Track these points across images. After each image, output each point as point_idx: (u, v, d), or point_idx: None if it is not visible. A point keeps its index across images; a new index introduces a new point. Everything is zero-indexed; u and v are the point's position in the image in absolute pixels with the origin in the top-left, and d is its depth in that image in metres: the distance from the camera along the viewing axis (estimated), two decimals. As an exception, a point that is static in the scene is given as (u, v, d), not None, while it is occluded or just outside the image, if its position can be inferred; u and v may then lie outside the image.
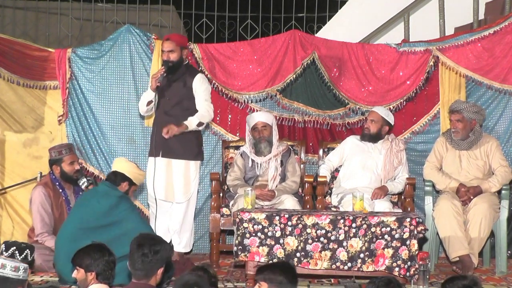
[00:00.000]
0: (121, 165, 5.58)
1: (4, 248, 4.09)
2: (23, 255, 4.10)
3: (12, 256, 4.04)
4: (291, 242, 5.28)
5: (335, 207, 6.05)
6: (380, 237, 5.22)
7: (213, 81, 6.55)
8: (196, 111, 6.08)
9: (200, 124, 5.94)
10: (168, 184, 5.98)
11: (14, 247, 4.08)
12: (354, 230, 5.25)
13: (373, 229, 5.24)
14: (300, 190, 6.23)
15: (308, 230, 5.28)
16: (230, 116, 6.65)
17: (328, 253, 5.25)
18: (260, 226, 5.31)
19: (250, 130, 6.23)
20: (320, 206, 6.00)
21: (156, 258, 3.86)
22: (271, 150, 6.17)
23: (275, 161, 6.17)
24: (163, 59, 6.03)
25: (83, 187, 5.85)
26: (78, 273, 4.05)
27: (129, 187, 5.52)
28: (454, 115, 6.09)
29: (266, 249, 5.28)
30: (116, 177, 5.50)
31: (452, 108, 6.13)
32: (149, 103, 5.99)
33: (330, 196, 6.24)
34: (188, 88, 5.98)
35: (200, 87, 6.00)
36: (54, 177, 5.94)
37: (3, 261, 3.76)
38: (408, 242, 5.20)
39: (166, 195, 5.97)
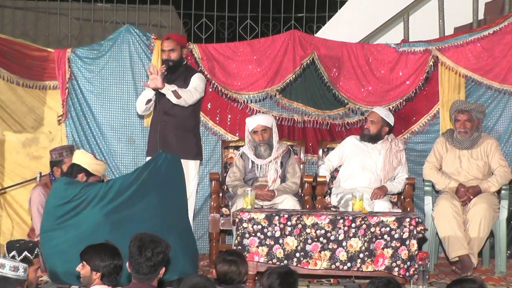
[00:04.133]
0: (77, 156, 5.57)
1: (16, 253, 4.15)
2: (34, 253, 4.19)
3: (25, 258, 4.12)
4: (291, 242, 5.28)
5: (334, 207, 6.05)
6: (379, 237, 5.23)
7: (213, 81, 6.55)
8: (196, 110, 6.09)
9: (176, 94, 5.79)
10: (168, 184, 5.98)
11: (26, 251, 4.16)
12: (353, 230, 5.26)
13: (372, 229, 5.24)
14: (299, 190, 6.23)
15: (308, 230, 5.28)
16: (229, 116, 6.65)
17: (328, 253, 5.25)
18: (259, 226, 5.31)
19: (250, 133, 6.23)
20: (319, 206, 6.00)
21: (158, 259, 3.86)
22: (271, 153, 6.16)
23: (275, 163, 6.16)
24: (164, 59, 6.03)
25: None
26: (83, 269, 4.04)
27: (87, 178, 5.50)
28: (463, 115, 6.08)
29: (265, 249, 5.28)
30: (73, 170, 5.50)
31: (461, 108, 6.11)
32: (148, 101, 5.99)
33: (330, 196, 6.24)
34: (187, 85, 5.98)
35: (196, 81, 6.00)
36: (54, 178, 5.93)
37: (2, 261, 3.78)
38: (407, 242, 5.20)
39: (166, 195, 5.98)
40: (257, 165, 6.17)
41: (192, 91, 5.91)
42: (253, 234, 5.30)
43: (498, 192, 6.03)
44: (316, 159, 6.58)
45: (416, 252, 5.19)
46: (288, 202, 5.91)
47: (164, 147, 5.93)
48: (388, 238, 5.22)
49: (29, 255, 4.17)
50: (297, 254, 5.26)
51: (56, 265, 5.19)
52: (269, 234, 5.30)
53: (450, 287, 3.76)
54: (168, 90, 5.79)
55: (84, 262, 4.04)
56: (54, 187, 5.45)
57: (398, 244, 5.20)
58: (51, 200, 5.37)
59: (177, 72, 6.02)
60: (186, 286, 3.72)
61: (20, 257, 4.13)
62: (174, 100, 5.82)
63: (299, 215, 5.32)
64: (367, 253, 5.22)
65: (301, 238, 5.27)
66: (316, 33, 8.76)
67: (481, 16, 7.69)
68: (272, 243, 5.29)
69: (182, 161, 5.99)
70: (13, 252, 4.16)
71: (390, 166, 6.17)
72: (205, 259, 6.25)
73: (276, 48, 6.61)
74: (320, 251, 5.25)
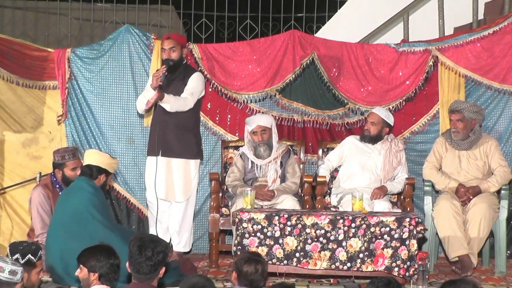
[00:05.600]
0: (94, 157, 5.52)
1: (20, 256, 4.15)
2: (38, 256, 4.23)
3: (28, 261, 4.14)
4: (291, 242, 5.28)
5: (334, 207, 6.04)
6: (379, 237, 5.23)
7: (212, 81, 6.55)
8: (196, 110, 6.09)
9: (171, 107, 5.85)
10: (168, 183, 5.98)
11: (29, 254, 4.19)
12: (353, 230, 5.26)
13: (372, 229, 5.24)
14: (299, 190, 6.23)
15: (308, 230, 5.28)
16: (229, 116, 6.64)
17: (328, 253, 5.25)
18: (259, 226, 5.31)
19: (249, 133, 6.22)
20: (319, 206, 6.00)
21: (159, 259, 3.86)
22: (271, 153, 6.16)
23: (274, 163, 6.16)
24: (164, 58, 6.03)
25: None
26: (81, 272, 4.07)
27: (106, 178, 5.51)
28: (454, 115, 6.09)
29: (265, 249, 5.28)
30: (92, 171, 5.44)
31: (452, 108, 6.13)
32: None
33: (330, 196, 6.24)
34: (185, 85, 5.97)
35: (193, 83, 5.98)
36: (55, 179, 5.92)
37: None
38: (407, 242, 5.20)
39: (167, 195, 5.98)
40: (256, 165, 6.17)
41: (188, 98, 5.91)
42: (253, 234, 5.30)
43: (498, 192, 6.03)
44: (316, 159, 6.58)
45: (416, 252, 5.19)
46: (288, 202, 5.91)
47: (164, 147, 5.94)
48: (388, 238, 5.22)
49: (32, 258, 4.18)
50: (297, 254, 5.26)
51: (60, 270, 5.17)
52: (269, 234, 5.30)
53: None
54: (166, 104, 5.82)
55: (81, 266, 4.06)
56: (89, 192, 5.37)
57: (398, 244, 5.20)
58: (78, 198, 5.31)
59: (177, 72, 6.02)
60: (186, 286, 3.72)
61: (23, 260, 4.14)
62: (168, 109, 5.86)
63: (299, 215, 5.32)
64: (367, 253, 5.22)
65: (301, 238, 5.27)
66: (316, 33, 8.77)
67: (481, 16, 7.69)
68: (272, 243, 5.29)
69: (183, 160, 6.02)
70: (17, 255, 4.17)
71: (390, 166, 6.17)
72: (205, 259, 6.24)
73: (276, 48, 6.61)
74: (320, 251, 5.25)
